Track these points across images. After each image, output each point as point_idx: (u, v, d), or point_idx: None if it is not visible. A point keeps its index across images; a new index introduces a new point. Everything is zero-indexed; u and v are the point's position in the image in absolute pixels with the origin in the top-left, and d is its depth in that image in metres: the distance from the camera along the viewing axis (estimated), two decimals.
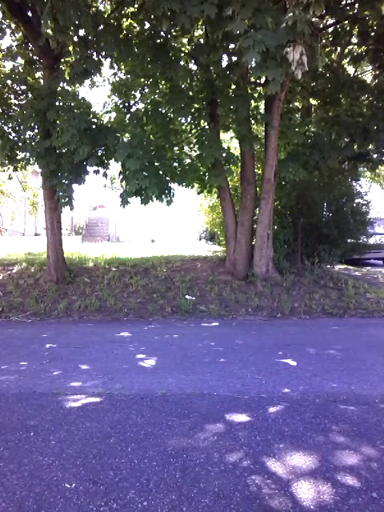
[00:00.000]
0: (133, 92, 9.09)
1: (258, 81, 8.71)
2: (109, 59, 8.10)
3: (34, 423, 2.96)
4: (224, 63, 7.97)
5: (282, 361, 4.42)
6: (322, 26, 7.53)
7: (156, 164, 8.00)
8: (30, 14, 7.78)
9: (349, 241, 10.34)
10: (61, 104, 7.61)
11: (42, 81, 8.71)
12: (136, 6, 7.79)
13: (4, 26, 8.51)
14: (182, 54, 8.46)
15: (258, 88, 9.06)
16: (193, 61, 8.67)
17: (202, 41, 8.74)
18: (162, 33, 7.46)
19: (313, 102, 10.56)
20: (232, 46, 7.12)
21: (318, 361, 4.41)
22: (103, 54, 7.43)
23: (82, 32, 7.02)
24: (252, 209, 8.82)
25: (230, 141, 11.89)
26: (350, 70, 11.02)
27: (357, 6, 7.40)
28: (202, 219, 15.70)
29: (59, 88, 7.72)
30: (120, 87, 8.86)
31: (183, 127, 9.22)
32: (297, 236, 9.49)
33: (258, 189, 8.97)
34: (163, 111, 8.54)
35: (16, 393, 3.53)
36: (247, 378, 3.88)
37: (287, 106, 9.74)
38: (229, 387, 3.64)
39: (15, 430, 2.86)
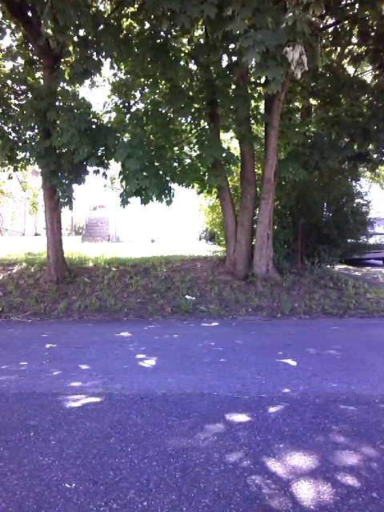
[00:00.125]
0: (133, 92, 9.09)
1: (258, 81, 8.71)
2: (109, 59, 8.10)
3: (33, 423, 2.96)
4: (224, 63, 7.98)
5: (281, 361, 4.42)
6: (322, 25, 7.52)
7: (156, 164, 8.00)
8: (30, 13, 7.79)
9: (349, 241, 10.34)
10: (61, 104, 7.61)
11: (41, 81, 8.71)
12: (136, 5, 7.79)
13: (4, 26, 8.51)
14: (182, 54, 8.46)
15: (258, 88, 9.06)
16: (193, 61, 8.67)
17: (201, 41, 8.74)
18: (162, 33, 7.46)
19: (313, 101, 10.56)
20: (232, 46, 7.11)
21: (317, 361, 4.41)
22: (103, 54, 7.42)
23: (81, 32, 7.02)
24: (252, 209, 8.82)
25: (230, 141, 11.89)
26: (350, 70, 11.02)
27: (357, 6, 7.41)
28: (202, 219, 15.70)
29: (59, 88, 7.72)
30: (120, 87, 8.86)
31: (183, 127, 9.22)
32: (297, 236, 9.49)
33: (257, 189, 8.97)
34: (163, 111, 8.54)
35: (16, 393, 3.53)
36: (247, 378, 3.88)
37: (287, 106, 9.73)
38: (229, 387, 3.64)
39: (15, 430, 2.86)
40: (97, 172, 8.11)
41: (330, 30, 8.86)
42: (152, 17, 6.99)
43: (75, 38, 7.11)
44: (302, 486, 2.21)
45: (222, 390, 3.56)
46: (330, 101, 9.46)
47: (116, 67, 8.75)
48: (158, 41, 7.50)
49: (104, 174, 8.25)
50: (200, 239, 21.98)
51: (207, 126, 8.44)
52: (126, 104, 8.79)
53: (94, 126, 7.48)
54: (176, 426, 2.90)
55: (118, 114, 8.70)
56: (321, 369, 4.13)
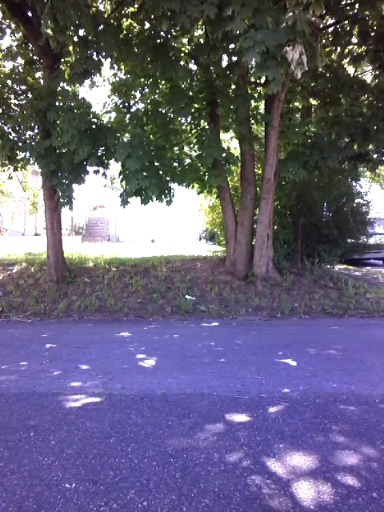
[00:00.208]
0: (133, 92, 9.09)
1: (258, 81, 8.71)
2: (109, 59, 8.10)
3: (34, 423, 2.96)
4: (224, 63, 7.98)
5: (282, 361, 4.42)
6: (322, 25, 7.52)
7: (156, 164, 8.00)
8: (30, 13, 7.78)
9: (349, 241, 10.33)
10: (61, 104, 7.61)
11: (41, 81, 8.71)
12: (136, 5, 7.79)
13: (4, 26, 8.51)
14: (182, 54, 8.46)
15: (258, 88, 9.06)
16: (193, 61, 8.67)
17: (202, 41, 8.74)
18: (162, 33, 7.46)
19: (313, 101, 10.56)
20: (232, 46, 7.11)
21: (318, 361, 4.41)
22: (103, 54, 7.43)
23: (82, 32, 7.02)
24: (252, 209, 8.82)
25: (229, 141, 11.89)
26: (350, 70, 11.02)
27: (357, 6, 7.41)
28: (202, 219, 15.70)
29: (59, 88, 7.72)
30: (120, 87, 8.86)
31: (183, 127, 9.21)
32: (297, 236, 9.49)
33: (258, 189, 8.97)
34: (163, 111, 8.54)
35: (16, 393, 3.53)
36: (247, 377, 3.88)
37: (287, 106, 9.74)
38: (229, 387, 3.64)
39: (15, 430, 2.86)
40: (97, 172, 8.11)
41: (330, 29, 8.86)
42: (152, 17, 6.99)
43: (75, 38, 7.11)
44: (302, 486, 2.21)
45: (222, 390, 3.56)
46: (330, 101, 9.46)
47: (116, 67, 8.75)
48: (158, 41, 7.50)
49: (104, 174, 8.26)
50: (200, 239, 21.98)
51: (207, 126, 8.43)
52: (126, 104, 8.79)
53: (93, 126, 7.48)
54: (176, 426, 2.90)
55: (118, 114, 8.70)
56: (321, 369, 4.13)
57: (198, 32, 8.86)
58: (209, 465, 2.41)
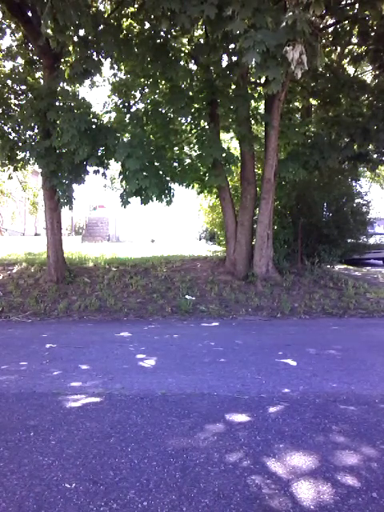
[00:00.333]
0: (133, 92, 9.09)
1: (258, 81, 8.70)
2: (109, 59, 8.11)
3: (34, 423, 2.96)
4: (224, 63, 7.98)
5: (282, 361, 4.42)
6: (322, 25, 7.52)
7: (156, 164, 8.00)
8: (30, 13, 7.78)
9: (349, 241, 10.33)
10: (61, 104, 7.61)
11: (41, 81, 8.71)
12: (136, 5, 7.79)
13: (4, 26, 8.51)
14: (182, 54, 8.46)
15: (258, 88, 9.05)
16: (193, 61, 8.67)
17: (202, 41, 8.74)
18: (162, 33, 7.46)
19: (313, 101, 10.56)
20: (232, 46, 7.11)
21: (318, 361, 4.41)
22: (103, 54, 7.43)
23: (82, 32, 7.02)
24: (252, 209, 8.82)
25: (229, 141, 11.89)
26: (350, 70, 11.02)
27: (357, 5, 7.40)
28: (202, 219, 15.70)
29: (59, 88, 7.72)
30: (120, 87, 8.86)
31: (183, 127, 9.21)
32: (297, 236, 9.49)
33: (258, 189, 8.97)
34: (163, 111, 8.54)
35: (16, 393, 3.53)
36: (247, 377, 3.88)
37: (287, 105, 9.73)
38: (229, 387, 3.64)
39: (15, 430, 2.86)
40: (97, 172, 8.11)
41: (330, 29, 8.86)
42: (152, 17, 6.99)
43: (75, 38, 7.11)
44: (302, 486, 2.21)
45: (222, 390, 3.56)
46: (330, 101, 9.46)
47: (116, 67, 8.76)
48: (158, 41, 7.50)
49: (104, 174, 8.26)
50: (200, 239, 21.98)
51: (207, 126, 8.43)
52: (126, 104, 8.79)
53: (93, 126, 7.48)
54: (176, 426, 2.90)
55: (118, 113, 8.70)
56: (321, 369, 4.13)
57: (198, 32, 8.86)
58: (209, 465, 2.41)
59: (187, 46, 8.86)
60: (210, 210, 12.85)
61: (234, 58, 7.43)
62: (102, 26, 7.12)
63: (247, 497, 2.12)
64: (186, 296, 7.74)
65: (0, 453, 2.57)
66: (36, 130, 7.86)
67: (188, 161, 9.03)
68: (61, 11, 5.64)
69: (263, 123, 8.91)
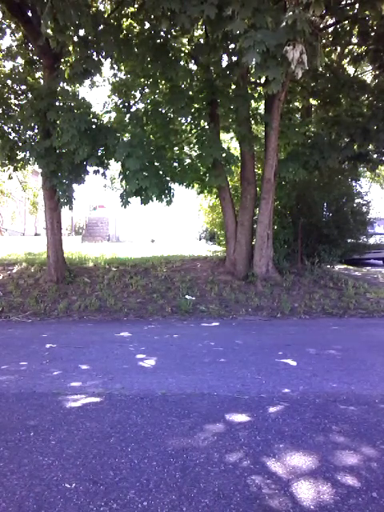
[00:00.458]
0: (133, 92, 9.09)
1: (258, 81, 8.70)
2: (109, 59, 8.11)
3: (34, 423, 2.96)
4: (224, 63, 7.99)
5: (282, 361, 4.42)
6: (322, 25, 7.52)
7: (156, 164, 8.00)
8: (30, 13, 7.78)
9: (349, 241, 10.34)
10: (61, 104, 7.61)
11: (41, 81, 8.71)
12: (136, 5, 7.80)
13: (4, 26, 8.51)
14: (182, 54, 8.46)
15: (258, 88, 9.05)
16: (193, 61, 8.67)
17: (202, 41, 8.74)
18: (161, 33, 7.46)
19: (313, 102, 10.56)
20: (232, 46, 7.12)
21: (318, 361, 4.41)
22: (103, 54, 7.43)
23: (82, 32, 7.02)
24: (252, 209, 8.82)
25: (229, 141, 11.88)
26: (350, 70, 11.02)
27: (357, 6, 7.41)
28: (202, 219, 15.70)
29: (59, 88, 7.72)
30: (120, 87, 8.86)
31: (183, 127, 9.21)
32: (297, 236, 9.49)
33: (258, 189, 8.97)
34: (163, 111, 8.54)
35: (16, 393, 3.53)
36: (247, 377, 3.88)
37: (287, 106, 9.73)
38: (229, 387, 3.63)
39: (15, 430, 2.86)
40: (97, 172, 8.11)
41: (330, 29, 8.86)
42: (152, 17, 6.99)
43: (75, 38, 7.11)
44: (302, 486, 2.21)
45: (222, 390, 3.56)
46: (330, 101, 9.46)
47: (116, 67, 8.76)
48: (158, 41, 7.50)
49: (104, 174, 8.26)
50: (200, 239, 21.98)
51: (207, 126, 8.43)
52: (126, 104, 8.79)
53: (93, 126, 7.48)
54: (176, 426, 2.90)
55: (118, 113, 8.69)
56: (321, 369, 4.13)
57: (198, 32, 8.86)
58: (209, 465, 2.41)
59: (187, 46, 8.86)
60: (210, 210, 12.86)
61: (234, 58, 7.44)
62: (101, 26, 7.12)
63: (247, 497, 2.12)
64: (186, 296, 7.74)
65: (0, 453, 2.57)
66: (36, 130, 7.85)
67: (188, 161, 9.03)
68: (61, 11, 5.65)
69: (263, 123, 8.91)
